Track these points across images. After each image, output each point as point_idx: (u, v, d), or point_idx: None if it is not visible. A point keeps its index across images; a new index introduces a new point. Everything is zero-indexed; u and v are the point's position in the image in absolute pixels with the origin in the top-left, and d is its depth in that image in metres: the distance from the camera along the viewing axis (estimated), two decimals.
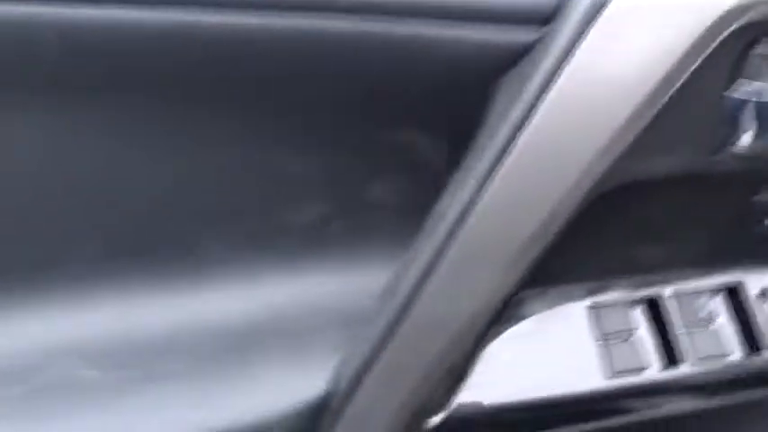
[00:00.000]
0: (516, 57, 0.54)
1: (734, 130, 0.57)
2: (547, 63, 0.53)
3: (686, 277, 0.66)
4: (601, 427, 0.65)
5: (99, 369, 0.60)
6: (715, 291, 0.66)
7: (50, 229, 0.58)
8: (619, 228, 0.62)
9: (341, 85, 0.56)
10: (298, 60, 0.54)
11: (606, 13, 0.53)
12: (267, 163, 0.59)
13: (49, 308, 0.59)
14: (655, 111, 0.53)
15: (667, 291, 0.65)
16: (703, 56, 0.53)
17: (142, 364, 0.60)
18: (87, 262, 0.60)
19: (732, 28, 0.53)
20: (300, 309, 0.61)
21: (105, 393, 0.59)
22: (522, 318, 0.63)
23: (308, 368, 0.59)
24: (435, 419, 0.61)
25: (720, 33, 0.53)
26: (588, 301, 0.64)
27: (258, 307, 0.61)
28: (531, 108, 0.53)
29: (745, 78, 0.56)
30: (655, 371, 0.63)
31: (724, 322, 0.66)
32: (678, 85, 0.53)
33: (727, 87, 0.56)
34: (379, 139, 0.58)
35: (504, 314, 0.60)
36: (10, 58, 0.52)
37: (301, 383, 0.59)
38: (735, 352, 0.65)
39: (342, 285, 0.61)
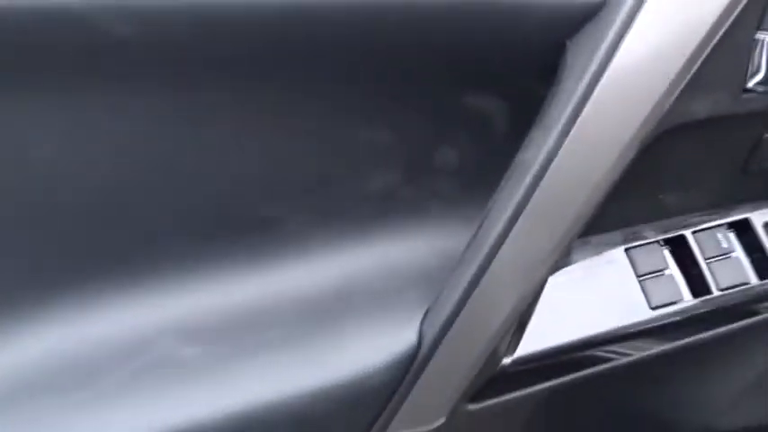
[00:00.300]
0: (586, 16, 0.57)
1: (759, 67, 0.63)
2: (618, 21, 0.56)
3: (702, 217, 0.75)
4: (646, 356, 0.73)
5: (199, 345, 0.63)
6: (728, 227, 0.75)
7: (148, 213, 0.61)
8: (651, 175, 0.68)
9: (415, 52, 0.58)
10: (370, 29, 0.56)
11: None
12: (343, 133, 0.61)
13: (149, 289, 0.62)
14: (706, 53, 0.58)
15: (688, 231, 0.74)
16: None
17: (239, 338, 0.63)
18: (181, 243, 0.62)
19: None
20: (380, 273, 0.65)
21: (208, 368, 0.62)
22: (569, 264, 0.70)
23: (393, 326, 0.64)
24: (507, 360, 0.67)
25: None
26: (624, 246, 0.72)
27: (338, 275, 0.65)
28: (607, 63, 0.57)
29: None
30: (687, 301, 0.72)
31: (739, 255, 0.75)
32: (725, 27, 0.58)
33: (758, 29, 0.61)
34: (449, 103, 0.61)
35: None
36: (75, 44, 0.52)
37: (388, 341, 0.63)
38: (751, 279, 0.74)
39: (418, 248, 0.66)
